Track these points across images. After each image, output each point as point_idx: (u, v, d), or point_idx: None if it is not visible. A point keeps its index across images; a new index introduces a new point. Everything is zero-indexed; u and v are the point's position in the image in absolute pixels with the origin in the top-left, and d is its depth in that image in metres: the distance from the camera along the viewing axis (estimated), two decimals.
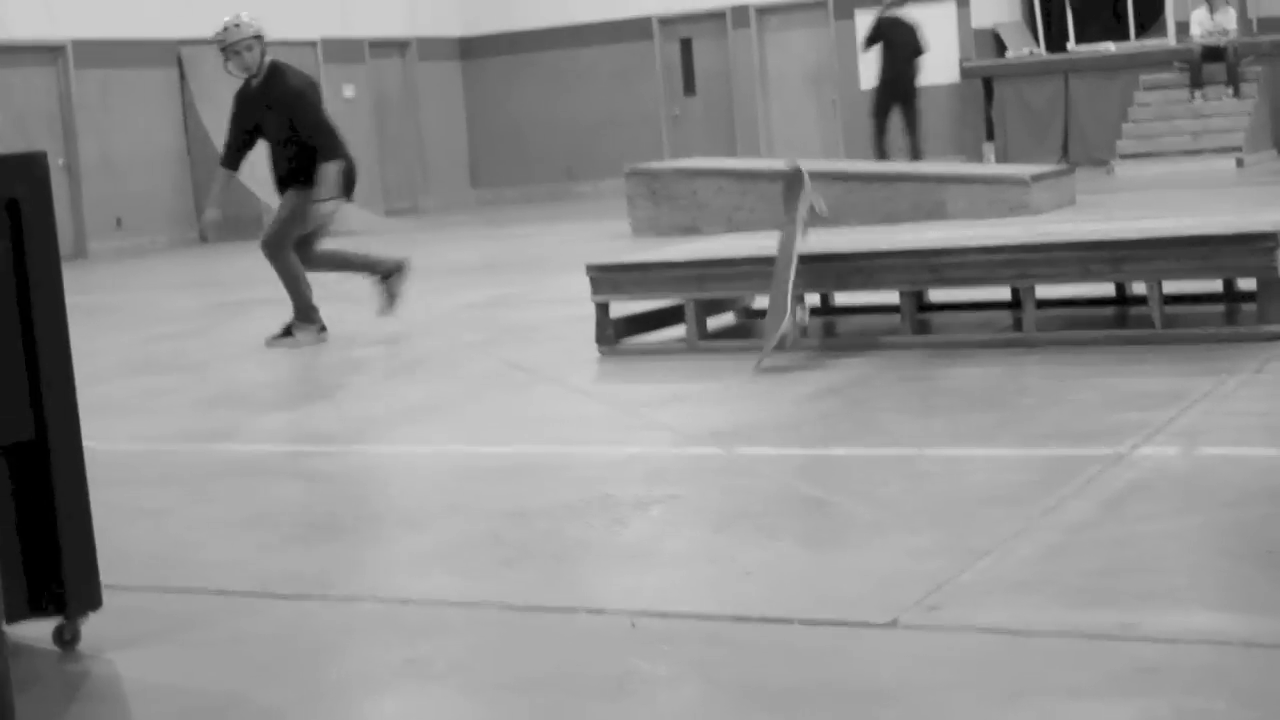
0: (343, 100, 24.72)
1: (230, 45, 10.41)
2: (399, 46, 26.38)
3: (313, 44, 24.60)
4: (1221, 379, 6.84)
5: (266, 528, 5.73)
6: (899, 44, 20.22)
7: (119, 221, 22.06)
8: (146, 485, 6.59)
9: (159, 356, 10.70)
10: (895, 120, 20.15)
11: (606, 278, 9.01)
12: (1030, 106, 23.08)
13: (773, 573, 4.65)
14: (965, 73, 23.86)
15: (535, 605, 4.51)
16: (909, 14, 20.62)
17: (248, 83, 10.56)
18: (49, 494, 4.31)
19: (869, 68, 21.43)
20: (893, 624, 4.07)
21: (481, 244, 18.39)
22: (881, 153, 19.87)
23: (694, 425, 6.94)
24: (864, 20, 24.49)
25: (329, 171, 10.28)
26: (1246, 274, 7.88)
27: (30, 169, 4.29)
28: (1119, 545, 4.60)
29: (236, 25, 10.40)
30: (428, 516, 5.70)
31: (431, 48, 26.87)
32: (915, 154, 19.84)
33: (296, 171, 10.40)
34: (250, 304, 13.18)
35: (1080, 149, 22.49)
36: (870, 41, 20.46)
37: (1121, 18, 24.99)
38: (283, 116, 10.38)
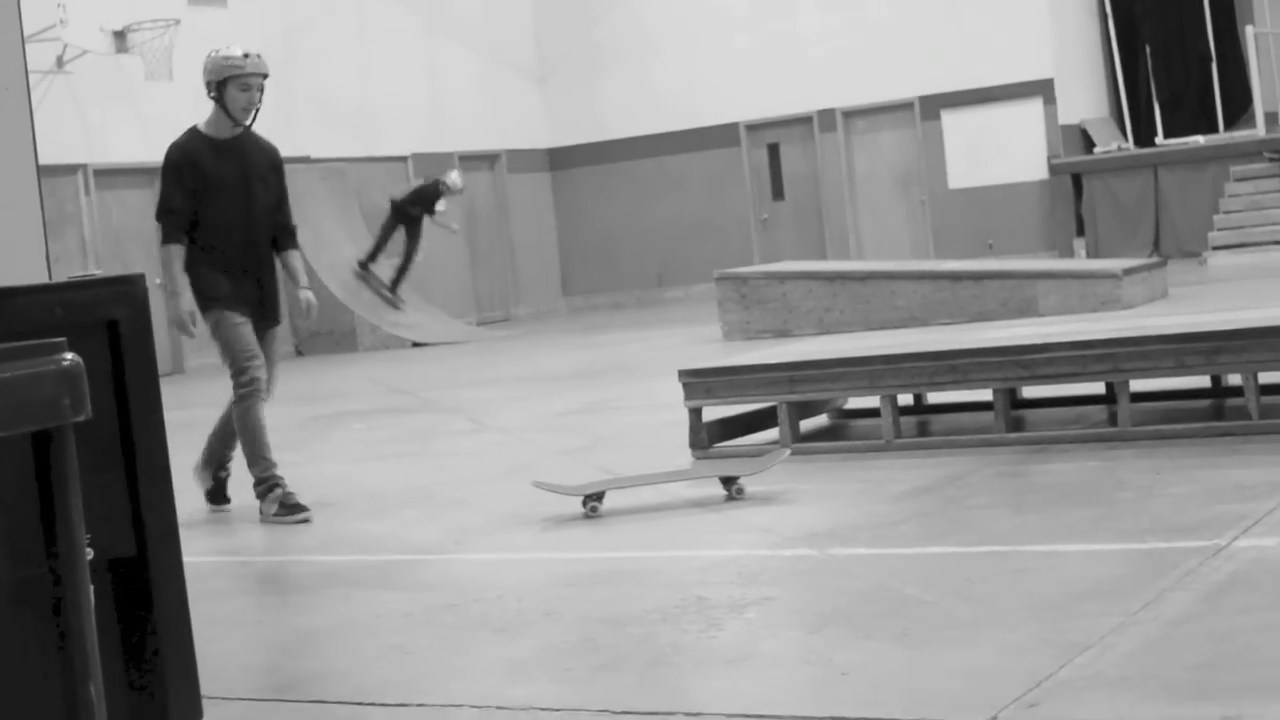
0: (437, 211, 24.97)
1: (259, 75, 8.44)
2: (489, 159, 26.63)
3: (404, 158, 24.88)
4: None
5: (363, 637, 5.75)
6: None
7: None
8: (245, 596, 6.63)
9: None
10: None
11: (699, 382, 9.03)
12: (1120, 201, 23.03)
13: (869, 673, 4.63)
14: (1054, 169, 23.85)
15: (631, 710, 4.50)
16: None
17: (215, 137, 8.50)
18: (149, 607, 4.36)
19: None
20: None
21: (573, 351, 18.47)
22: None
23: (788, 526, 6.92)
24: (951, 119, 24.59)
25: (299, 260, 8.74)
26: None
27: (129, 291, 4.37)
28: (1219, 638, 4.55)
29: (258, 55, 8.53)
30: (524, 623, 5.71)
31: (521, 159, 27.12)
32: None
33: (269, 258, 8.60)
34: (345, 416, 13.28)
35: (1171, 242, 22.41)
36: None
37: (1210, 110, 24.93)
38: (277, 183, 8.62)
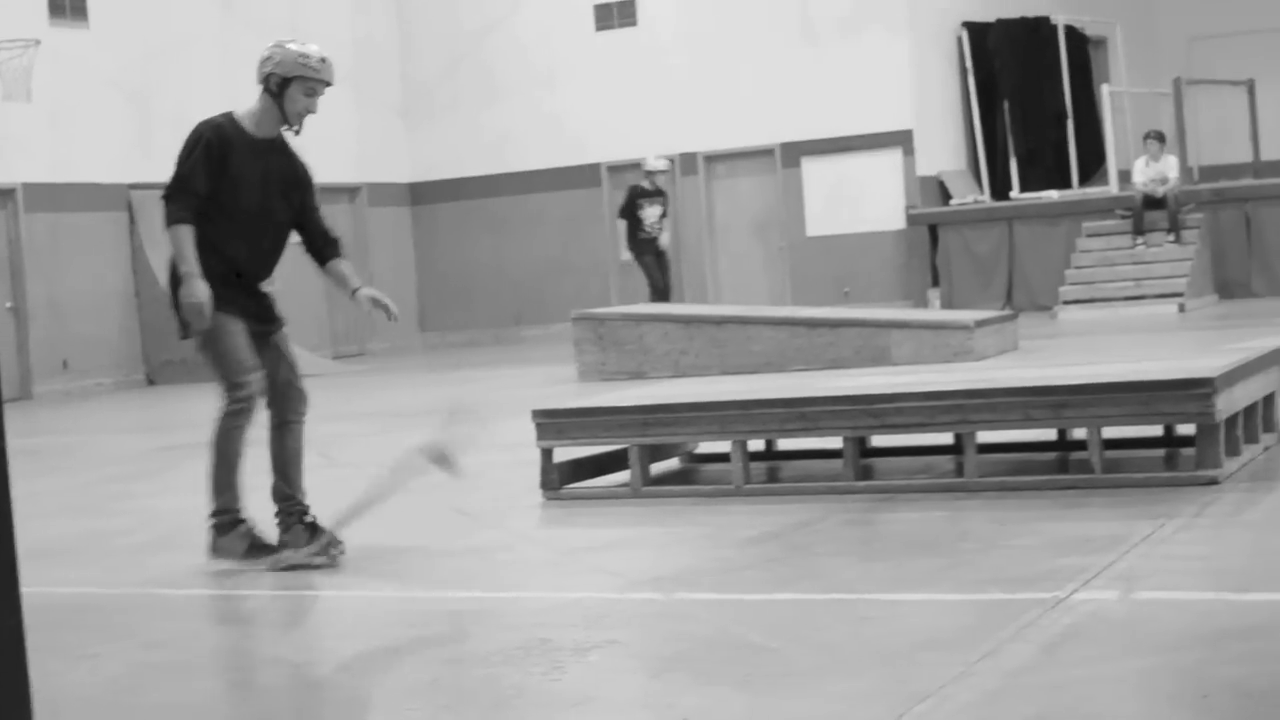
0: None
1: (326, 84, 7.80)
2: (350, 191, 26.52)
3: None
4: (1160, 523, 6.88)
5: (206, 673, 5.69)
6: None
7: (65, 364, 22.03)
8: (85, 630, 6.54)
9: (102, 499, 10.64)
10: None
11: (551, 423, 9.03)
12: (974, 253, 23.32)
13: (709, 719, 4.64)
14: (911, 219, 24.11)
15: None
16: None
17: (254, 133, 7.81)
18: None
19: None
20: None
21: (427, 388, 18.39)
22: None
23: (635, 570, 6.93)
24: (812, 167, 24.79)
25: (347, 266, 8.25)
26: (1185, 420, 7.95)
27: None
28: (1056, 690, 4.61)
29: (331, 63, 7.86)
30: (366, 663, 5.67)
31: (382, 193, 27.03)
32: None
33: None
34: (197, 446, 13.13)
35: (1024, 295, 22.72)
36: None
37: (1064, 166, 25.31)
38: (300, 199, 8.05)
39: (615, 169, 26.20)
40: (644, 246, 21.08)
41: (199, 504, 9.69)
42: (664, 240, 21.12)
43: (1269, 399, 8.67)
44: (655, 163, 21.52)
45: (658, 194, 21.25)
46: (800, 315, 16.75)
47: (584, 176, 26.42)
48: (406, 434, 12.97)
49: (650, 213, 21.12)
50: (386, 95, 27.26)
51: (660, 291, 20.97)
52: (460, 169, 27.24)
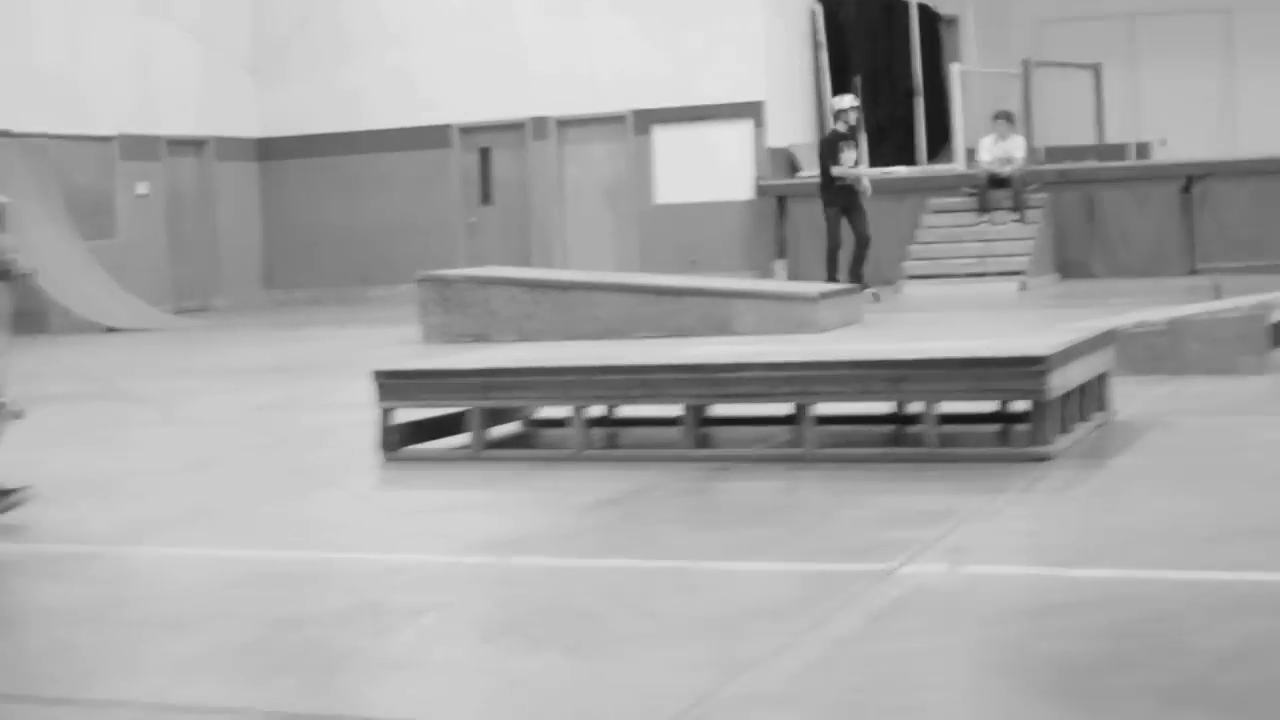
0: (136, 196, 24.50)
1: None
2: (197, 145, 26.19)
3: (110, 139, 24.35)
4: (991, 498, 6.98)
5: (27, 630, 5.62)
6: None
7: None
8: None
9: None
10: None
11: (392, 384, 8.99)
12: (821, 225, 23.45)
13: (539, 684, 4.66)
14: (760, 191, 24.21)
15: (300, 714, 4.47)
16: None
17: None
18: None
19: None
20: None
21: (271, 345, 18.25)
22: None
23: (471, 534, 6.94)
24: (663, 136, 24.82)
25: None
26: (1019, 396, 8.08)
27: None
28: (880, 661, 4.68)
29: None
30: (196, 621, 5.63)
31: (230, 147, 26.71)
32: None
33: None
34: (30, 401, 12.94)
35: (869, 268, 22.89)
36: None
37: (913, 143, 25.54)
38: None
39: (466, 130, 26.07)
40: (838, 196, 19.97)
41: (32, 459, 9.57)
42: (865, 185, 20.15)
43: (1101, 378, 8.82)
44: (843, 100, 20.31)
45: (851, 136, 20.22)
46: (646, 283, 16.78)
47: (434, 137, 26.26)
48: (247, 392, 12.90)
49: (848, 157, 19.92)
50: (236, 48, 26.92)
51: (861, 242, 19.78)
52: (311, 125, 26.97)
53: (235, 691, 4.74)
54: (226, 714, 4.51)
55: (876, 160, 24.49)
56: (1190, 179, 21.72)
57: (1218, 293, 14.36)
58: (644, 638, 5.07)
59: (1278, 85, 27.30)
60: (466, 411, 8.87)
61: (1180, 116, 28.88)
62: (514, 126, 25.79)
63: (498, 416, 9.26)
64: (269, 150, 27.24)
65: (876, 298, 18.74)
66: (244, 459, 9.50)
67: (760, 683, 4.50)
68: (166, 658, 5.19)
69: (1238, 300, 11.83)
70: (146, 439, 10.60)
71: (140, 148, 24.80)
